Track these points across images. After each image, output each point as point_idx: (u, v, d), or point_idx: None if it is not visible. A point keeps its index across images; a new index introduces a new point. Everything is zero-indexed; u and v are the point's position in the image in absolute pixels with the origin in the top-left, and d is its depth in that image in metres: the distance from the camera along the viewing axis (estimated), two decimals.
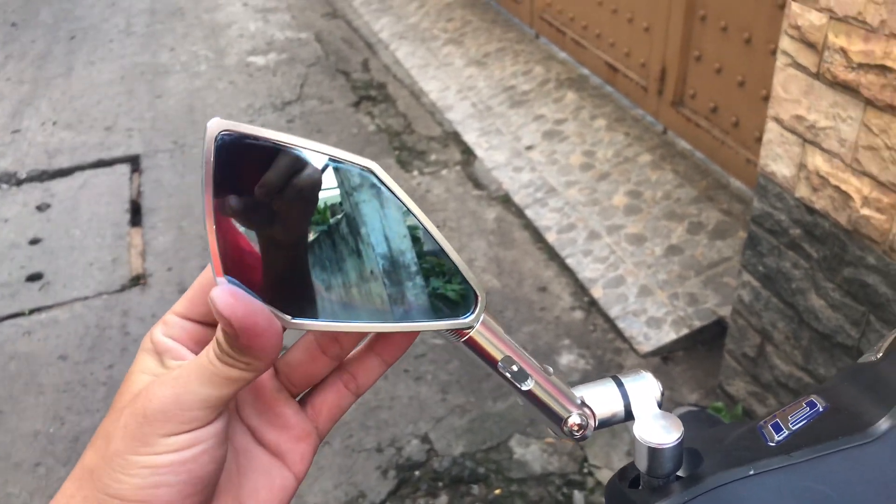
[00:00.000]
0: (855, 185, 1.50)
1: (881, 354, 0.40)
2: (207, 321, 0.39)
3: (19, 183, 3.45)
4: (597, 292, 2.54)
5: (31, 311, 2.68)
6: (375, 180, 0.36)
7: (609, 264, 2.62)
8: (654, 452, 0.37)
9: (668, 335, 2.33)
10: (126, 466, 0.34)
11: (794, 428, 0.38)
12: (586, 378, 2.26)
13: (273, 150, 0.34)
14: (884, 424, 0.35)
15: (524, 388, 0.40)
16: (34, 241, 3.04)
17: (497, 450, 2.07)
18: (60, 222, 3.16)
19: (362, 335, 0.41)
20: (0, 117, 4.01)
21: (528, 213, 2.96)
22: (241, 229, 0.34)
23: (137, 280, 2.81)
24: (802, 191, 1.64)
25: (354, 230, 0.36)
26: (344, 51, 4.54)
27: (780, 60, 1.61)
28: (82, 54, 4.70)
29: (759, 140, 2.41)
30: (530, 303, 2.57)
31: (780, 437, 0.38)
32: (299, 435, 0.41)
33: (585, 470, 2.01)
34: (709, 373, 2.24)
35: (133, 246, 2.99)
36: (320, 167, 0.35)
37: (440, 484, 2.00)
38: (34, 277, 2.85)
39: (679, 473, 0.38)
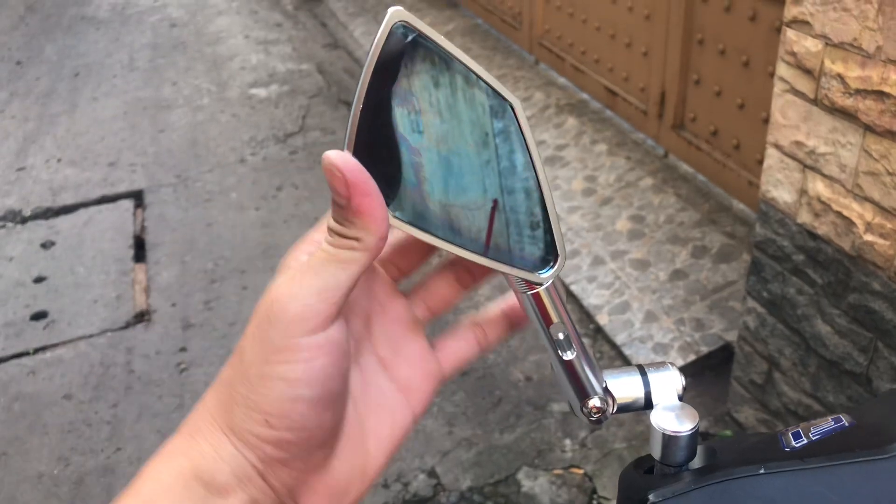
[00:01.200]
0: (857, 211, 1.49)
1: None
2: None
3: (24, 221, 3.46)
4: (602, 319, 2.53)
5: (36, 351, 2.68)
6: (512, 116, 0.38)
7: (614, 290, 2.60)
8: (668, 440, 0.38)
9: (676, 361, 2.30)
10: (262, 379, 0.35)
11: (813, 438, 0.38)
12: None
13: (438, 56, 0.36)
14: None
15: (566, 357, 0.41)
16: (39, 280, 3.05)
17: (505, 483, 2.05)
18: (65, 259, 3.16)
19: (490, 271, 0.42)
20: (5, 155, 4.04)
21: None
22: (381, 121, 0.36)
23: (142, 316, 2.80)
24: (804, 217, 1.63)
25: (482, 158, 0.38)
26: (346, 81, 4.57)
27: (778, 87, 1.61)
28: (86, 91, 4.74)
29: (760, 162, 2.41)
30: (535, 331, 2.55)
31: (798, 444, 0.38)
32: (427, 372, 0.42)
33: (595, 502, 1.98)
34: (717, 399, 2.21)
35: (137, 282, 3.00)
36: (475, 86, 0.37)
37: None
38: (39, 316, 2.85)
39: (693, 466, 0.39)
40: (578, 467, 2.07)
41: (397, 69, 0.35)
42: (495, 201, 0.38)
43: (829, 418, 0.40)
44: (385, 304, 0.42)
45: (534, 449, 2.14)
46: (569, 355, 0.41)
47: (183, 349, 2.62)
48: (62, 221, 3.44)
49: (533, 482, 2.04)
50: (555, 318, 0.41)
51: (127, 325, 2.76)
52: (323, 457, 0.38)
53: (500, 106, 0.37)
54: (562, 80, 3.84)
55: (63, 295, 2.95)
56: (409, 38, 0.35)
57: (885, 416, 0.38)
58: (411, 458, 2.14)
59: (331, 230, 0.36)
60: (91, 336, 2.72)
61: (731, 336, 2.28)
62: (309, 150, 3.84)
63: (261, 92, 4.50)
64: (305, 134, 4.00)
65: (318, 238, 0.39)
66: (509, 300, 0.44)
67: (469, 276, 0.43)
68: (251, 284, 2.90)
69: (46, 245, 3.27)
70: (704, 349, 2.30)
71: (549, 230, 0.39)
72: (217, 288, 2.91)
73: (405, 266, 0.43)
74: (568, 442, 2.15)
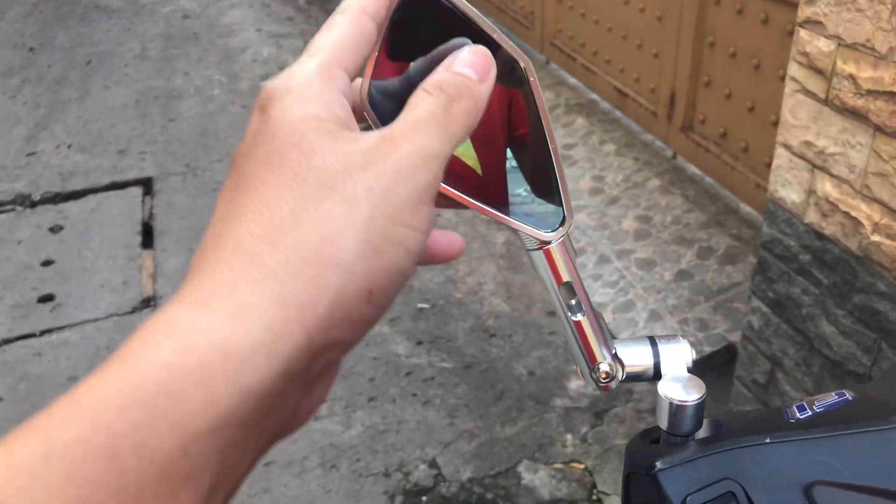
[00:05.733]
0: (865, 212, 1.50)
1: None
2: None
3: (33, 205, 3.48)
4: (607, 317, 2.54)
5: (42, 333, 2.69)
6: (524, 77, 0.38)
7: (619, 289, 2.61)
8: (675, 409, 0.39)
9: None
10: (385, 240, 0.30)
11: (818, 410, 0.39)
12: (595, 404, 2.25)
13: (452, 14, 0.36)
14: None
15: (575, 318, 0.42)
16: (46, 263, 3.07)
17: (505, 475, 2.06)
18: (73, 244, 3.18)
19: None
20: (16, 140, 4.06)
21: None
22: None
23: (148, 302, 2.82)
24: (812, 217, 1.63)
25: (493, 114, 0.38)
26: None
27: (789, 87, 1.62)
28: (98, 78, 4.76)
29: (768, 165, 2.41)
30: (539, 327, 2.57)
31: (803, 416, 0.39)
32: None
33: (594, 497, 1.99)
34: (719, 399, 2.22)
35: (144, 268, 3.01)
36: (488, 45, 0.37)
37: None
38: (46, 299, 2.86)
39: (698, 436, 0.40)
40: (579, 462, 2.08)
41: (413, 20, 0.36)
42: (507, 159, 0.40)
43: (833, 393, 0.41)
44: None
45: (535, 442, 2.15)
46: (578, 317, 0.42)
47: None
48: (71, 206, 3.46)
49: (533, 475, 2.05)
50: (565, 277, 0.41)
51: (133, 311, 2.78)
52: None
53: (512, 66, 0.37)
54: (572, 80, 3.85)
55: (70, 279, 2.97)
56: None
57: (889, 390, 0.39)
58: (413, 448, 2.15)
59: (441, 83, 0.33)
60: (97, 320, 2.74)
61: (735, 337, 2.28)
62: None
63: None
64: None
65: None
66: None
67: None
68: None
69: (55, 229, 3.29)
70: (708, 349, 2.31)
71: (557, 190, 0.40)
72: None
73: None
74: (569, 437, 2.16)
